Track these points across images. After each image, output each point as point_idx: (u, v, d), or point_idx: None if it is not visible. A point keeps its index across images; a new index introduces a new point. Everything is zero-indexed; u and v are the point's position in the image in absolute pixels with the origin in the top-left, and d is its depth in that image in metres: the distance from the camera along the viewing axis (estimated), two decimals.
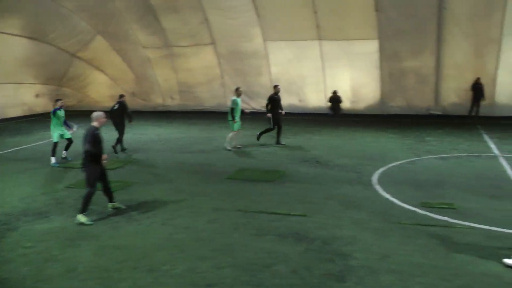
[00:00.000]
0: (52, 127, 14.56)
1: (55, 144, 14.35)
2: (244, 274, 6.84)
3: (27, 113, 26.36)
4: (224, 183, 12.00)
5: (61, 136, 14.58)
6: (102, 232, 8.65)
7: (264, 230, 8.54)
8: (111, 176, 12.79)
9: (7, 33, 23.68)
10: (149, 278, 6.78)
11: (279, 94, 16.84)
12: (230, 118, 15.96)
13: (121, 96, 16.68)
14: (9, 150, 16.88)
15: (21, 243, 8.23)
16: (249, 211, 9.65)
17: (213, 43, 25.07)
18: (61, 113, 14.63)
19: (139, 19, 25.24)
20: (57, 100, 15.00)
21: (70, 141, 14.77)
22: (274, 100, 16.60)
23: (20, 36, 24.69)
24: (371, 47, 22.58)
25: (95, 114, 9.38)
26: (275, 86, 17.05)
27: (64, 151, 14.84)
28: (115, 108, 16.10)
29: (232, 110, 15.84)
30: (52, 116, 14.51)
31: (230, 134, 16.22)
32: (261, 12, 23.05)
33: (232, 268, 7.02)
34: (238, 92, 16.06)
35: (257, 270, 6.95)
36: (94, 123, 9.26)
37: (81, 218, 9.04)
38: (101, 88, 29.17)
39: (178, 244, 7.99)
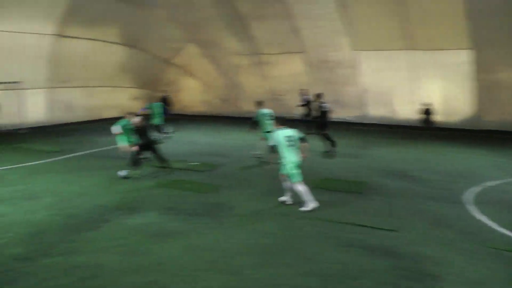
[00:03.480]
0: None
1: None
2: (329, 284, 6.80)
3: (121, 115, 27.44)
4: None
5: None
6: (190, 232, 8.94)
7: (351, 242, 8.43)
8: (200, 177, 13.17)
9: (106, 41, 25.26)
10: (233, 282, 6.91)
11: None
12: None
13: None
14: (106, 148, 18.01)
15: (115, 234, 8.76)
16: (335, 221, 9.57)
17: (302, 51, 25.14)
18: None
19: (228, 27, 25.83)
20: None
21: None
22: None
23: (117, 43, 26.18)
24: (463, 57, 21.65)
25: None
26: None
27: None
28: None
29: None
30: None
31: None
32: (350, 22, 22.89)
33: (318, 277, 7.00)
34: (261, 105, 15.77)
35: (343, 282, 6.89)
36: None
37: None
38: (193, 94, 30.15)
39: (263, 250, 8.07)
